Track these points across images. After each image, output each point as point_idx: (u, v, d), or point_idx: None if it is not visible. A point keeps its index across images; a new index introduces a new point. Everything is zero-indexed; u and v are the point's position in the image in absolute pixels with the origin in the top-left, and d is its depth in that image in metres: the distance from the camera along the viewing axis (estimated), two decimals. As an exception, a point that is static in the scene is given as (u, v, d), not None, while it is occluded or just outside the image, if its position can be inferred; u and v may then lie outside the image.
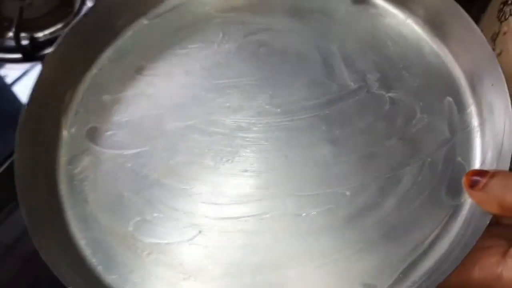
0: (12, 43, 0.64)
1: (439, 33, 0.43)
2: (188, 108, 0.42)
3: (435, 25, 0.43)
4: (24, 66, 0.63)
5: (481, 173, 0.32)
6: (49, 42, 0.64)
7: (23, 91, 0.61)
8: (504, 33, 0.46)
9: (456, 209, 0.36)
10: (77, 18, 0.44)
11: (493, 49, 0.43)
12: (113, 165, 0.40)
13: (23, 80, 0.63)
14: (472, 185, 0.32)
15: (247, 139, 0.40)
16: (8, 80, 0.63)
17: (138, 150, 0.40)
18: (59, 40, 0.42)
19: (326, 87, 0.42)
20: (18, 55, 0.64)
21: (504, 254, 0.31)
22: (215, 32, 0.46)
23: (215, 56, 0.45)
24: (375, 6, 0.46)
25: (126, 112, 0.42)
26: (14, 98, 0.62)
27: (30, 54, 0.64)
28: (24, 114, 0.39)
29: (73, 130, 0.42)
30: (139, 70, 0.45)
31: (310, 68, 0.43)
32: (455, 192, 0.36)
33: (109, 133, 0.42)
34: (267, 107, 0.41)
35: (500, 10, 0.48)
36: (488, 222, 0.31)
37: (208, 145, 0.40)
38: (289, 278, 0.34)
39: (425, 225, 0.35)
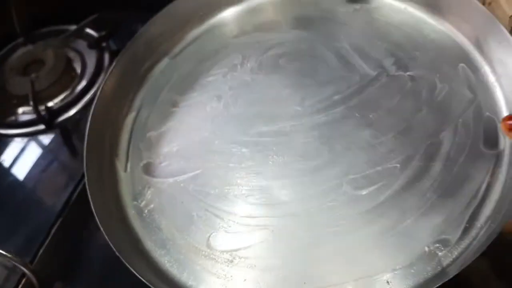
0: (24, 117, 0.67)
1: (435, 10, 0.47)
2: (228, 126, 0.46)
3: (430, 3, 0.47)
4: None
5: None
6: (62, 109, 0.67)
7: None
8: (489, 4, 0.50)
9: (498, 157, 0.39)
10: (106, 73, 0.47)
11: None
12: (174, 191, 0.43)
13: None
14: (511, 127, 0.35)
15: (290, 141, 0.43)
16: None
17: (194, 173, 0.43)
18: (97, 95, 0.46)
19: (349, 80, 0.46)
20: (39, 127, 0.66)
21: None
22: (235, 56, 0.50)
23: (241, 76, 0.48)
24: (369, 1, 0.50)
25: (174, 142, 0.46)
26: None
27: (49, 123, 0.66)
28: (85, 164, 0.42)
29: (129, 169, 0.45)
30: (174, 104, 0.48)
31: (329, 67, 0.47)
32: (492, 143, 0.40)
33: (163, 164, 0.45)
34: (300, 109, 0.45)
35: None
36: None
37: (256, 154, 0.43)
38: (367, 252, 0.37)
39: (474, 177, 0.38)
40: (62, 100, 0.68)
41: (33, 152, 0.64)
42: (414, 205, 0.38)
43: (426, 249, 0.36)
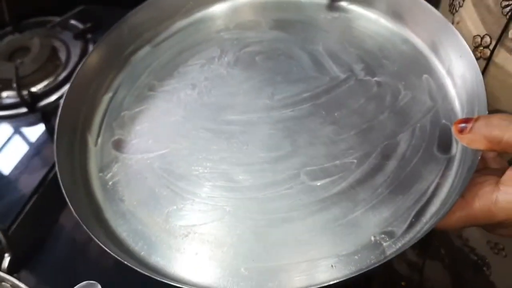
0: (8, 101, 0.71)
1: (404, 24, 0.50)
2: (199, 113, 0.47)
3: (400, 16, 0.50)
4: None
5: (466, 120, 0.38)
6: (45, 94, 0.71)
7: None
8: (458, 23, 0.53)
9: (449, 161, 0.41)
10: (89, 51, 0.49)
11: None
12: (141, 167, 0.44)
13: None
14: (461, 130, 0.37)
15: (257, 131, 0.45)
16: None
17: (161, 152, 0.45)
18: (76, 72, 0.48)
19: (319, 80, 0.48)
20: (21, 110, 0.70)
21: (497, 183, 0.36)
22: (213, 50, 0.52)
23: (217, 69, 0.51)
24: (348, 11, 0.53)
25: (146, 123, 0.47)
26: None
27: (32, 107, 0.70)
28: (56, 135, 0.43)
29: (99, 143, 0.46)
30: (151, 88, 0.50)
31: (302, 67, 0.49)
32: (445, 148, 0.42)
33: (133, 141, 0.46)
34: (270, 103, 0.47)
35: (451, 4, 0.55)
36: (479, 157, 0.36)
37: (223, 141, 0.45)
38: (316, 237, 0.38)
39: (425, 177, 0.40)
40: (45, 86, 0.72)
41: (15, 133, 0.68)
42: (366, 198, 0.40)
43: (372, 238, 0.38)
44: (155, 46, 0.54)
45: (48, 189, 0.60)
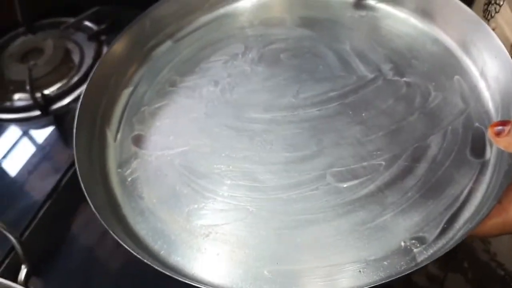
0: (20, 103, 0.69)
1: (437, 24, 0.48)
2: (221, 110, 0.46)
3: (431, 16, 0.48)
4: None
5: (504, 122, 0.36)
6: (58, 97, 0.69)
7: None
8: (494, 29, 0.51)
9: (483, 166, 0.39)
10: (110, 45, 0.48)
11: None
12: (161, 164, 0.43)
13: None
14: (498, 133, 0.36)
15: (281, 130, 0.44)
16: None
17: (182, 149, 0.44)
18: (97, 65, 0.47)
19: (346, 79, 0.46)
20: (34, 113, 0.68)
21: None
22: (237, 46, 0.51)
23: (241, 66, 0.49)
24: (376, 10, 0.52)
25: (166, 119, 0.46)
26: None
27: (45, 110, 0.68)
28: (76, 129, 0.42)
29: (119, 139, 0.45)
30: (173, 84, 0.49)
31: (329, 66, 0.48)
32: (478, 152, 0.40)
33: (153, 137, 0.45)
34: (295, 101, 0.45)
35: (485, 10, 0.53)
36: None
37: (247, 139, 0.43)
38: (343, 241, 0.37)
39: (457, 182, 0.39)
40: (58, 88, 0.69)
41: (28, 137, 0.66)
42: (395, 201, 0.38)
43: (402, 244, 0.36)
44: (177, 41, 0.53)
45: (62, 194, 0.58)
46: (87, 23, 0.78)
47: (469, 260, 0.61)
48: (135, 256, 0.34)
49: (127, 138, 0.46)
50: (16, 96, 0.69)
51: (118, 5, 0.76)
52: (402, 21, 0.50)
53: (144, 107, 0.47)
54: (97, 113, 0.46)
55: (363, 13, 0.52)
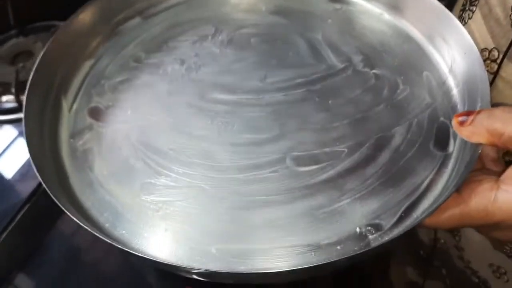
0: (7, 105, 0.68)
1: (409, 20, 0.48)
2: (185, 89, 0.45)
3: (402, 11, 0.48)
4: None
5: (468, 112, 0.35)
6: None
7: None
8: None
9: (445, 158, 0.39)
10: (75, 13, 0.46)
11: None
12: (116, 137, 0.41)
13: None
14: (462, 122, 0.35)
15: (245, 113, 0.42)
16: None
17: (140, 123, 0.42)
18: (57, 31, 0.45)
19: (315, 67, 0.45)
20: (20, 115, 0.66)
21: (496, 181, 0.33)
22: (208, 28, 0.50)
23: (209, 47, 0.48)
24: (351, 4, 0.51)
25: (126, 93, 0.44)
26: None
27: None
28: (27, 93, 0.40)
29: (74, 109, 0.43)
30: (137, 60, 0.47)
31: (299, 53, 0.47)
32: (442, 145, 0.39)
33: (110, 110, 0.43)
34: (262, 85, 0.44)
35: (460, 16, 0.54)
36: (479, 152, 0.34)
37: (208, 119, 0.42)
38: (297, 223, 0.35)
39: (419, 172, 0.38)
40: None
41: (11, 139, 0.65)
42: (354, 188, 0.37)
43: (358, 230, 0.35)
44: (146, 18, 0.51)
45: (43, 196, 0.55)
46: None
47: (446, 267, 0.60)
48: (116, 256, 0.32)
49: (83, 109, 0.43)
50: (4, 98, 0.68)
51: None
52: (376, 17, 0.50)
53: (105, 80, 0.46)
54: (53, 82, 0.44)
55: (338, 6, 0.51)
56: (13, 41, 0.77)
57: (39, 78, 0.42)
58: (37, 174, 0.35)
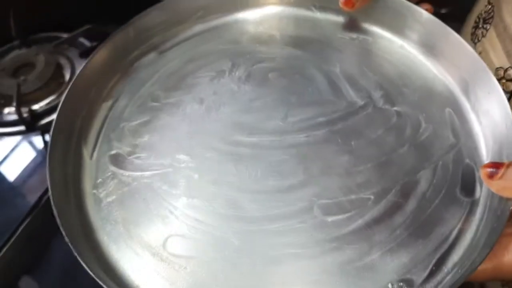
0: (9, 117, 0.68)
1: (432, 53, 0.47)
2: (206, 130, 0.44)
3: (428, 46, 0.47)
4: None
5: (496, 165, 0.35)
6: (46, 112, 0.69)
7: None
8: (480, 53, 0.51)
9: (472, 205, 0.39)
10: (91, 54, 0.45)
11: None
12: (139, 186, 0.41)
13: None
14: (491, 175, 0.35)
15: (268, 156, 0.42)
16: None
17: (162, 171, 0.42)
18: (76, 75, 0.44)
19: (336, 105, 0.45)
20: (21, 128, 0.67)
21: None
22: (224, 62, 0.49)
23: (228, 84, 0.47)
24: (368, 33, 0.50)
25: (147, 137, 0.44)
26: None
27: (31, 125, 0.67)
28: (50, 145, 0.39)
29: (95, 157, 0.43)
30: (155, 99, 0.46)
31: (318, 89, 0.46)
32: (468, 190, 0.39)
33: (131, 157, 0.43)
34: (283, 125, 0.44)
35: (473, 33, 0.53)
36: (511, 208, 0.34)
37: (231, 163, 0.42)
38: (328, 279, 0.35)
39: (447, 221, 0.38)
40: (47, 104, 0.69)
41: (13, 152, 0.65)
42: (383, 239, 0.37)
43: (389, 286, 0.35)
44: (162, 53, 0.50)
45: (42, 212, 0.57)
46: (81, 39, 0.78)
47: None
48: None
49: (104, 156, 0.43)
50: (6, 110, 0.69)
51: (111, 23, 0.76)
52: (394, 46, 0.49)
53: (124, 122, 0.45)
54: (74, 128, 0.44)
55: (354, 35, 0.50)
56: (15, 52, 0.78)
57: (60, 125, 0.41)
58: (62, 231, 0.35)
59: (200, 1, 0.51)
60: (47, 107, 0.68)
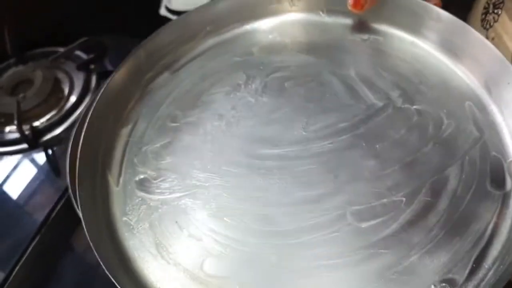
0: (10, 136, 0.68)
1: (443, 46, 0.47)
2: (229, 147, 0.44)
3: (440, 40, 0.47)
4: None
5: None
6: (47, 128, 0.68)
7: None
8: (493, 39, 0.51)
9: (505, 198, 0.38)
10: (106, 83, 0.45)
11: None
12: (168, 209, 0.41)
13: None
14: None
15: (294, 167, 0.42)
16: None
17: (191, 192, 0.41)
18: (93, 106, 0.44)
19: (355, 108, 0.45)
20: (23, 146, 0.67)
21: None
22: (238, 75, 0.49)
23: (244, 97, 0.47)
24: (379, 33, 0.50)
25: (171, 159, 0.44)
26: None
27: (33, 143, 0.67)
28: (78, 182, 0.39)
29: (121, 183, 0.43)
30: (174, 119, 0.46)
31: (336, 94, 0.46)
32: (498, 183, 0.39)
33: (158, 180, 0.43)
34: (306, 134, 0.44)
35: (483, 19, 0.53)
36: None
37: (259, 177, 0.42)
38: (370, 285, 0.35)
39: (481, 216, 0.38)
40: (48, 120, 0.69)
41: (16, 170, 0.65)
42: (420, 241, 0.37)
43: (433, 287, 0.35)
44: (175, 72, 0.50)
45: (51, 229, 0.57)
46: (77, 52, 0.78)
47: None
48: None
49: (130, 182, 0.43)
50: (7, 129, 0.69)
51: (107, 34, 0.76)
52: (406, 43, 0.49)
53: (146, 146, 0.45)
54: (97, 158, 0.44)
55: (365, 36, 0.50)
56: (12, 70, 0.78)
57: (85, 159, 0.41)
58: (102, 265, 0.35)
59: (207, 15, 0.51)
60: (48, 123, 0.68)
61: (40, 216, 0.57)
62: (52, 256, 0.55)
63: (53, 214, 0.57)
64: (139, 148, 0.45)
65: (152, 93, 0.49)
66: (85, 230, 0.37)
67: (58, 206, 0.57)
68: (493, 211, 0.38)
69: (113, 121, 0.46)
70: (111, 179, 0.43)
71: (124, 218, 0.41)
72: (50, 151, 0.66)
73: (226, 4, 0.51)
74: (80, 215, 0.38)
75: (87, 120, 0.42)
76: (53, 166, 0.64)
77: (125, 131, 0.46)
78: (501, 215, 0.38)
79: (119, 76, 0.46)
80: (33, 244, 0.55)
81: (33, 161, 0.65)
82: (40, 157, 0.65)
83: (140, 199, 0.42)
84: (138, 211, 0.41)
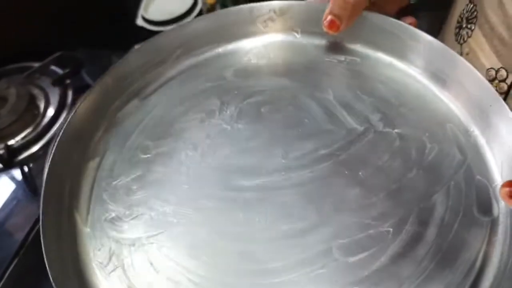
0: None
1: (424, 68, 0.46)
2: (205, 179, 0.41)
3: (421, 62, 0.46)
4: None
5: None
6: (23, 146, 0.66)
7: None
8: (467, 54, 0.50)
9: (492, 224, 0.37)
10: (69, 112, 0.42)
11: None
12: (143, 250, 0.38)
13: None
14: (511, 195, 0.34)
15: (274, 198, 0.40)
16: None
17: (166, 230, 0.39)
18: (58, 138, 0.41)
19: (335, 134, 0.43)
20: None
21: None
22: (212, 101, 0.47)
23: (219, 124, 0.45)
24: (356, 54, 0.49)
25: (143, 194, 0.41)
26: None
27: (8, 162, 0.65)
28: (42, 224, 0.36)
29: (90, 223, 0.39)
30: (145, 151, 0.44)
31: (314, 119, 0.44)
32: (485, 208, 0.38)
33: (130, 219, 0.40)
34: (285, 162, 0.42)
35: (457, 34, 0.52)
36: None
37: (238, 211, 0.39)
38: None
39: (470, 245, 0.36)
40: (23, 137, 0.67)
41: None
42: (410, 274, 0.35)
43: (426, 325, 0.33)
44: (144, 99, 0.47)
45: (30, 250, 0.55)
46: (52, 67, 0.76)
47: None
48: None
49: (99, 220, 0.40)
50: None
51: (83, 47, 0.74)
52: (383, 64, 0.48)
53: (115, 180, 0.42)
54: (63, 195, 0.40)
55: (341, 58, 0.49)
56: None
57: (49, 195, 0.38)
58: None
59: (178, 38, 0.49)
60: (24, 141, 0.67)
61: (19, 237, 0.56)
62: (32, 278, 0.53)
63: (33, 234, 0.56)
64: (108, 183, 0.42)
65: (120, 123, 0.46)
66: (50, 276, 0.33)
67: (37, 226, 0.56)
68: (482, 239, 0.37)
69: (79, 154, 0.43)
70: (79, 218, 0.40)
71: (96, 262, 0.38)
72: (26, 169, 0.63)
73: (197, 26, 0.49)
74: (45, 260, 0.34)
75: (50, 156, 0.38)
76: (30, 185, 0.62)
77: (92, 164, 0.43)
78: (490, 242, 0.37)
79: (84, 105, 0.43)
80: (12, 266, 0.53)
81: (9, 180, 0.63)
82: (16, 175, 0.63)
83: (111, 238, 0.38)
84: (109, 252, 0.38)
